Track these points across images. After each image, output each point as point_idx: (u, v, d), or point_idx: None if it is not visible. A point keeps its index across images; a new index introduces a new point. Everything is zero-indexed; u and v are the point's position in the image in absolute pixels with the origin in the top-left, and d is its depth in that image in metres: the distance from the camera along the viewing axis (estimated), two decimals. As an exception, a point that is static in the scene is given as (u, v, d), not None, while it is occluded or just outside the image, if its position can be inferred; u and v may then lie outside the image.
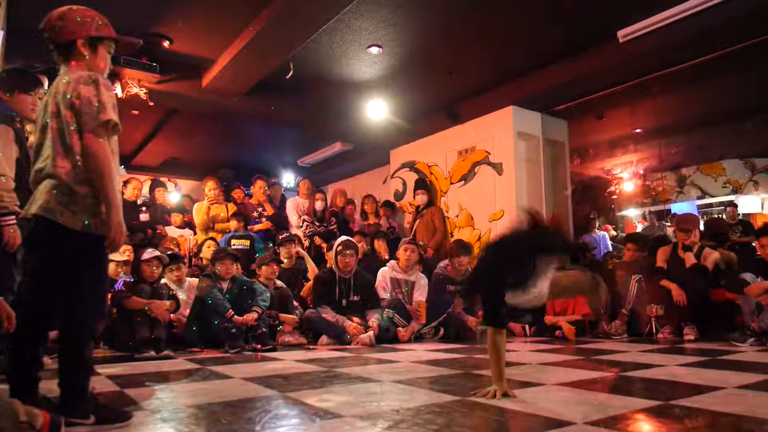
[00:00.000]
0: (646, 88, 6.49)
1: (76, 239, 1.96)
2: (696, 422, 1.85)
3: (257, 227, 7.18)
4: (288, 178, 10.54)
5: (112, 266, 4.82)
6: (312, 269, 5.95)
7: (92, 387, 2.09)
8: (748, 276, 4.40)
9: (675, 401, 2.16)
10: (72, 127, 1.96)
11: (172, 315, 4.41)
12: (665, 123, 7.89)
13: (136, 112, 7.16)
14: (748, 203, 10.53)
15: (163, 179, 8.76)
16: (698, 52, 5.56)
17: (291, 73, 5.96)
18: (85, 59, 2.09)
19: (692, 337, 4.63)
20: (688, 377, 2.78)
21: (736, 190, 10.72)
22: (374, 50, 5.79)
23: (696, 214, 9.71)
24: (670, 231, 7.97)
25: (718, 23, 4.92)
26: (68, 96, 1.97)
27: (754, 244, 5.05)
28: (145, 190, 7.52)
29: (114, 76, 5.76)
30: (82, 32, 2.08)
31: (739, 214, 8.79)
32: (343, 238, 5.38)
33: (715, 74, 6.25)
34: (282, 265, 5.75)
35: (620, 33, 5.33)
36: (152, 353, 3.87)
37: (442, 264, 5.79)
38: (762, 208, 10.61)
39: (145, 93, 6.00)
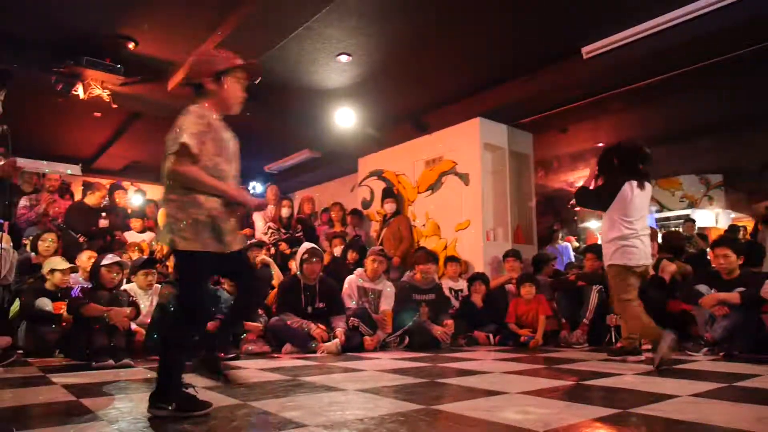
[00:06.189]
0: (608, 104, 6.68)
1: None
2: (651, 430, 1.90)
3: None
4: (255, 185, 10.42)
5: (57, 275, 4.61)
6: (277, 276, 5.89)
7: None
8: (702, 288, 4.54)
9: (632, 409, 2.21)
10: None
11: (132, 324, 4.30)
12: (625, 138, 8.12)
13: (98, 114, 7.00)
14: (703, 217, 10.89)
15: (126, 183, 8.57)
16: (658, 71, 5.75)
17: (259, 79, 5.90)
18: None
19: (649, 347, 4.74)
20: (645, 386, 2.85)
21: (692, 205, 11.09)
22: (343, 58, 5.80)
23: (654, 227, 10.00)
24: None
25: (677, 43, 5.09)
26: None
27: (708, 255, 5.22)
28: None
29: (76, 77, 5.63)
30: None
31: (695, 229, 9.10)
32: (308, 245, 5.35)
33: (674, 93, 6.49)
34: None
35: (584, 49, 5.48)
36: (111, 362, 3.76)
37: (408, 273, 5.81)
38: (716, 222, 10.99)
39: (108, 95, 5.87)
